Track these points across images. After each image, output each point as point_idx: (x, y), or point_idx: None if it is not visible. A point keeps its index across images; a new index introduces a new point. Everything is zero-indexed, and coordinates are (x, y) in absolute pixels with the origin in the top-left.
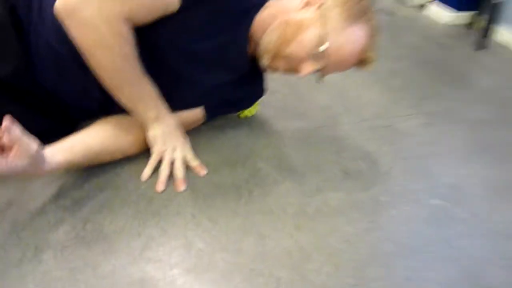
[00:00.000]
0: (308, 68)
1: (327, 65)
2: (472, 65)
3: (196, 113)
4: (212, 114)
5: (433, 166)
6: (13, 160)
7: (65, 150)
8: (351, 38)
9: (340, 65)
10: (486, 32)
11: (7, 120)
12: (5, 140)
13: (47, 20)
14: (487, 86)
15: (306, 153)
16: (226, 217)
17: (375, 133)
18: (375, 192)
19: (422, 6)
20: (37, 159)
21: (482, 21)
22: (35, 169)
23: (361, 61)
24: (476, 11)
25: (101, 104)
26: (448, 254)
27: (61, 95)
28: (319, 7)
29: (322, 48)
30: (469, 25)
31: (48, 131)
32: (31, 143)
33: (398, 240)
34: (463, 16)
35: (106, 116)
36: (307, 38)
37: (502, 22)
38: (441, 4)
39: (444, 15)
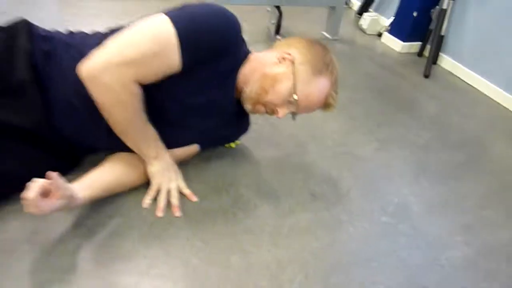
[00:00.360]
0: (283, 111)
1: (298, 109)
2: (420, 92)
3: (191, 149)
4: (204, 148)
5: (384, 188)
6: (56, 202)
7: (88, 187)
8: (317, 87)
9: (309, 109)
10: (432, 61)
11: (53, 174)
12: (51, 188)
13: (69, 80)
14: (432, 112)
15: (280, 179)
16: (215, 238)
17: (336, 159)
18: (337, 212)
19: (379, 35)
20: (73, 198)
21: (429, 51)
22: (70, 206)
23: (326, 105)
24: (422, 42)
25: (108, 145)
26: (395, 263)
27: (73, 139)
28: (291, 63)
29: (294, 97)
30: (419, 54)
31: (57, 167)
32: (69, 188)
33: (355, 253)
34: (413, 45)
35: (110, 153)
36: (282, 88)
37: (446, 52)
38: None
39: (397, 43)
